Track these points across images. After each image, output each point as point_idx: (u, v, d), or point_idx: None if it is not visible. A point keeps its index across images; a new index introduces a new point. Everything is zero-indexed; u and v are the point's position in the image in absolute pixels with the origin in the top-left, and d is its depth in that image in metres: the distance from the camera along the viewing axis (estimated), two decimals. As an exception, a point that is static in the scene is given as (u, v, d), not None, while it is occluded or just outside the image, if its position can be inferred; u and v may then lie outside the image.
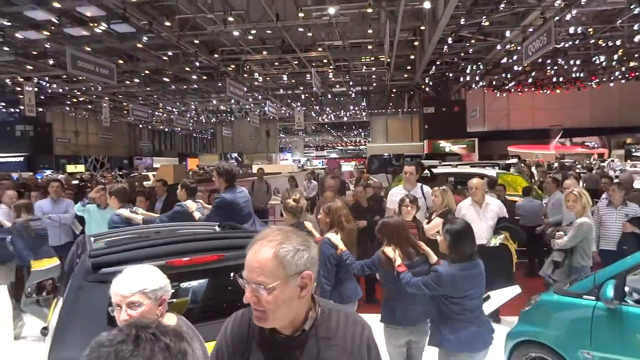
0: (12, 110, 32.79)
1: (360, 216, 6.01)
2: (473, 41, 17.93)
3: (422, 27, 16.06)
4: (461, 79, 25.48)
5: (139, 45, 17.17)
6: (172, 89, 27.13)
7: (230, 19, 14.18)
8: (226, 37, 17.57)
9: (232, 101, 31.48)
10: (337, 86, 28.74)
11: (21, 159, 36.17)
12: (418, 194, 5.48)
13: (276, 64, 22.09)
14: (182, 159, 51.32)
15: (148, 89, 26.35)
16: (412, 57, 20.81)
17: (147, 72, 22.79)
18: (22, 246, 5.19)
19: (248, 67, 22.11)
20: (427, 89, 27.45)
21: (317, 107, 37.14)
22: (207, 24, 15.28)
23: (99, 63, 12.95)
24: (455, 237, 3.00)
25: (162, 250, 2.62)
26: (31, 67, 20.80)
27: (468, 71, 23.15)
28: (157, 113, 36.29)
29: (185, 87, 26.66)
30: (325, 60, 21.38)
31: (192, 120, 41.30)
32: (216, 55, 19.67)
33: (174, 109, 36.11)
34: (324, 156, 64.18)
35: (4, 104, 30.79)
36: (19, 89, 23.73)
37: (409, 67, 23.15)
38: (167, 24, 14.87)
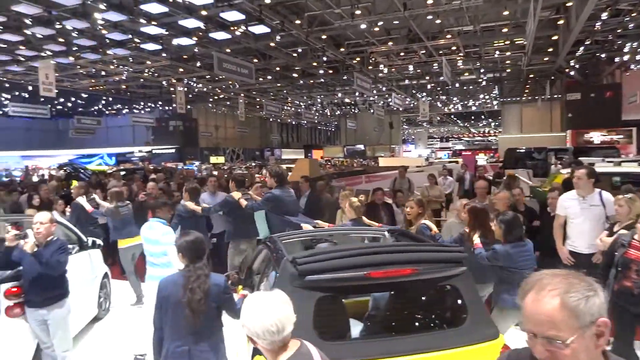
0: (167, 108, 37.46)
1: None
2: (634, 14, 15.49)
3: (569, 4, 14.34)
4: (616, 60, 22.25)
5: (272, 44, 18.27)
6: (300, 83, 28.40)
7: (357, 12, 14.30)
8: (352, 31, 17.79)
9: (357, 94, 31.84)
10: (466, 74, 27.24)
11: (173, 150, 41.32)
12: (595, 200, 4.82)
13: (402, 54, 21.73)
14: (307, 151, 53.62)
15: (278, 84, 27.97)
16: (555, 37, 18.74)
17: (277, 68, 24.17)
18: (112, 227, 6.68)
19: (373, 59, 22.11)
20: (571, 73, 24.52)
21: (444, 97, 35.70)
22: (334, 19, 15.63)
23: (240, 64, 14.11)
24: (508, 225, 3.94)
25: (363, 261, 2.68)
26: (182, 70, 23.56)
27: (626, 50, 20.09)
28: (285, 107, 38.34)
29: (312, 81, 27.70)
30: (454, 47, 20.40)
31: (317, 113, 42.80)
32: (342, 49, 20.03)
33: (301, 103, 37.79)
34: (449, 148, 61.56)
35: (160, 103, 35.31)
36: (172, 89, 27.07)
37: (549, 50, 20.93)
38: (297, 22, 15.59)
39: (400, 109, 36.84)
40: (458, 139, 69.67)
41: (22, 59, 20.07)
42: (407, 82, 29.13)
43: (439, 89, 32.01)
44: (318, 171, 12.62)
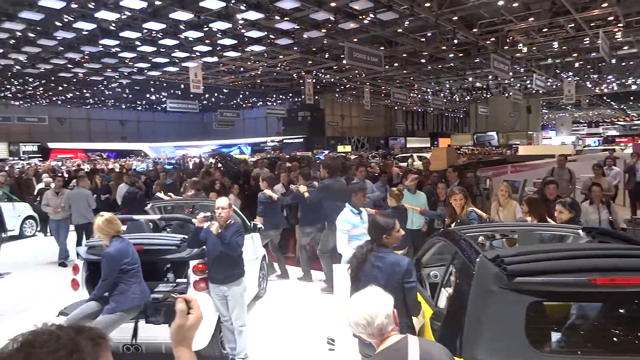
0: (296, 99, 39.35)
1: None
2: None
3: None
4: None
5: (399, 30, 17.93)
6: (427, 69, 27.47)
7: (494, -12, 13.25)
8: (487, 9, 16.58)
9: (490, 77, 29.71)
10: (626, 47, 23.56)
11: (301, 140, 43.31)
12: None
13: (544, 30, 19.62)
14: (433, 139, 51.86)
15: (405, 71, 27.43)
16: None
17: (404, 55, 23.68)
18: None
19: (510, 38, 20.35)
20: None
21: (595, 76, 31.42)
22: (467, -1, 14.73)
23: (369, 52, 14.14)
24: (573, 207, 4.34)
25: (586, 265, 2.37)
26: (311, 62, 24.47)
27: None
28: (412, 94, 37.50)
29: (440, 66, 26.59)
30: (611, 18, 17.77)
31: (445, 100, 41.05)
32: (474, 30, 18.81)
33: (428, 89, 36.59)
34: (599, 134, 54.19)
35: (290, 95, 37.22)
36: (301, 81, 28.31)
37: None
38: (427, 5, 15.02)
39: (540, 92, 33.43)
40: (611, 123, 60.96)
41: (177, 60, 22.75)
42: (549, 61, 26.29)
43: (588, 66, 28.25)
44: (456, 160, 12.05)
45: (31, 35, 17.97)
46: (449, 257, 3.42)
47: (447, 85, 34.86)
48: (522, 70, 26.90)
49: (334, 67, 26.18)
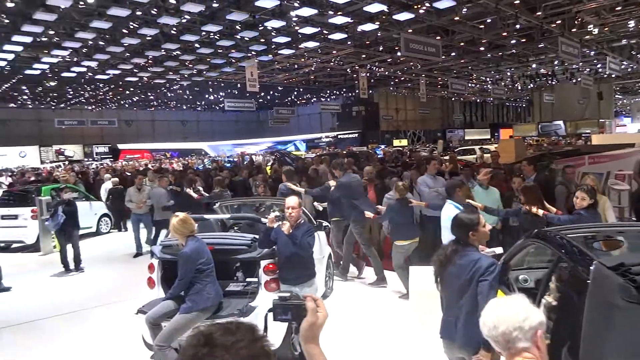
0: (350, 94, 39.19)
1: None
2: None
3: None
4: None
5: (456, 18, 17.29)
6: (486, 57, 26.34)
7: (561, -34, 12.41)
8: (552, -10, 15.59)
9: (555, 62, 27.99)
10: None
11: (356, 135, 43.11)
12: None
13: (617, 9, 18.15)
14: (494, 130, 49.77)
15: (462, 60, 26.45)
16: None
17: (461, 44, 22.83)
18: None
19: (579, 19, 19.01)
20: None
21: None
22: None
23: (426, 42, 13.76)
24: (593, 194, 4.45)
25: None
26: (364, 56, 24.23)
27: None
28: (470, 84, 36.15)
29: (500, 53, 25.38)
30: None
31: (506, 88, 39.22)
32: (538, 13, 17.75)
33: (488, 79, 35.11)
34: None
35: (344, 90, 37.12)
36: (355, 75, 28.12)
37: None
38: (486, -11, 14.36)
39: (613, 75, 31.03)
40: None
41: (233, 60, 23.36)
42: (623, 42, 24.32)
43: (670, 45, 25.84)
44: (525, 152, 11.35)
45: (101, 43, 19.16)
46: (549, 261, 3.14)
47: (508, 74, 33.25)
48: (592, 53, 25.09)
49: (388, 60, 25.76)
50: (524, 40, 21.64)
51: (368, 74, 27.38)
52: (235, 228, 5.70)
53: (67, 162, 37.62)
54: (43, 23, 16.16)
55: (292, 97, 41.33)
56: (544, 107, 41.07)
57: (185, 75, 27.42)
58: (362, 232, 6.65)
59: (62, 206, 7.78)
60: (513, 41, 21.60)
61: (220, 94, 36.41)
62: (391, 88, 39.82)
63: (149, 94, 35.87)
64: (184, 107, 47.58)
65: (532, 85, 37.89)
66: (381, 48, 22.31)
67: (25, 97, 34.51)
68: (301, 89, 36.55)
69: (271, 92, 36.91)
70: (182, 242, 3.94)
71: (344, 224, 6.99)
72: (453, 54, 24.26)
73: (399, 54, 23.83)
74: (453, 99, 47.77)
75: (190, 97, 39.19)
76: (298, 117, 45.20)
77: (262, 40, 19.88)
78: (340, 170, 6.83)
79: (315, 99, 43.31)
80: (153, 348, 3.83)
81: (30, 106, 38.93)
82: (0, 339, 5.26)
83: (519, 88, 38.97)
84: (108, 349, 4.87)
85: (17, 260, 9.23)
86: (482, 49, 23.48)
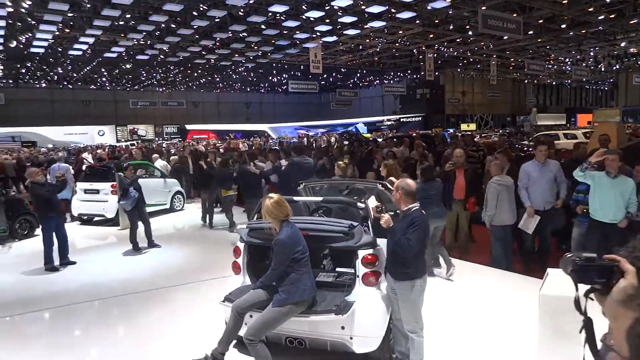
0: (415, 76, 37.99)
1: None
2: None
3: None
4: None
5: (537, -7, 16.05)
6: (567, 36, 24.34)
7: None
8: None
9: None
10: None
11: (419, 118, 41.91)
12: None
13: None
14: (570, 115, 46.42)
15: (539, 39, 24.65)
16: None
17: (540, 21, 21.23)
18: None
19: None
20: None
21: None
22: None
23: (506, 19, 12.86)
24: None
25: None
26: (432, 35, 23.24)
27: None
28: (547, 65, 33.74)
29: (583, 31, 23.35)
30: None
31: (587, 70, 36.25)
32: (633, -15, 16.04)
33: (567, 59, 32.57)
34: None
35: (409, 72, 36.04)
36: (421, 57, 27.11)
37: None
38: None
39: None
40: None
41: (298, 42, 23.30)
42: None
43: None
44: (625, 138, 10.28)
45: (172, 26, 19.79)
46: None
47: (591, 53, 30.62)
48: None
49: (458, 40, 24.55)
50: (612, 16, 19.73)
51: (435, 55, 26.30)
52: (320, 212, 5.14)
53: (139, 141, 39.84)
54: (120, 7, 16.92)
55: (355, 79, 40.76)
56: (631, 90, 37.58)
57: (251, 57, 27.79)
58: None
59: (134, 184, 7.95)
60: (600, 17, 19.75)
61: (284, 76, 36.66)
62: (459, 70, 38.11)
63: (215, 76, 36.87)
64: (248, 89, 48.53)
65: (618, 66, 34.69)
66: (451, 27, 21.27)
67: (103, 79, 36.70)
68: (364, 71, 35.93)
69: (334, 74, 36.60)
70: (275, 226, 3.59)
71: None
72: (530, 32, 22.62)
73: (470, 33, 22.69)
74: (526, 81, 44.92)
75: (254, 79, 39.83)
76: (360, 99, 44.56)
77: (328, 20, 19.60)
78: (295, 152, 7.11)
79: (378, 81, 42.46)
80: (221, 339, 3.70)
81: (108, 88, 41.40)
82: (80, 314, 5.46)
83: (603, 69, 35.83)
84: (190, 332, 4.79)
85: (97, 233, 9.86)
86: (563, 26, 21.70)
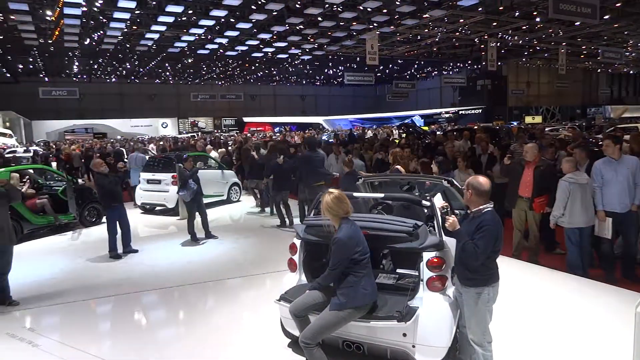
0: (475, 67, 36.47)
1: None
2: None
3: None
4: None
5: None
6: (649, 20, 22.29)
7: None
8: None
9: None
10: None
11: (479, 111, 40.27)
12: None
13: None
14: (649, 107, 42.63)
15: (616, 25, 22.73)
16: None
17: (617, 4, 19.55)
18: None
19: None
20: None
21: None
22: None
23: (580, 2, 11.82)
24: None
25: None
26: (496, 23, 22.09)
27: None
28: (624, 53, 31.13)
29: (669, 14, 21.26)
30: None
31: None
32: None
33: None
34: None
35: (469, 62, 34.62)
36: (483, 46, 25.89)
37: None
38: None
39: None
40: None
41: (354, 33, 23.01)
42: None
43: None
44: None
45: (232, 20, 20.19)
46: None
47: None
48: None
49: (523, 27, 23.18)
50: None
51: (498, 44, 25.02)
52: (379, 208, 4.90)
53: (199, 133, 41.30)
54: (183, 3, 17.47)
55: (412, 71, 39.79)
56: None
57: (307, 50, 27.85)
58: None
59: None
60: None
61: (339, 68, 36.47)
62: (523, 59, 36.10)
63: (272, 69, 37.36)
64: (304, 82, 48.83)
65: None
66: (517, 14, 20.09)
67: (167, 73, 38.31)
68: (422, 62, 34.95)
69: (390, 66, 35.92)
70: (334, 224, 3.37)
71: None
72: (606, 17, 20.91)
73: (537, 19, 21.33)
74: (599, 70, 41.79)
75: (310, 71, 39.96)
76: (417, 91, 43.49)
77: (385, 10, 19.17)
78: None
79: (436, 73, 41.21)
80: (299, 342, 3.49)
81: (171, 82, 43.21)
82: (141, 302, 5.65)
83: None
84: (245, 323, 4.86)
85: (158, 222, 10.26)
86: (645, 9, 19.88)
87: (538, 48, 30.11)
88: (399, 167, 7.31)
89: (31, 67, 32.94)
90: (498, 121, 33.96)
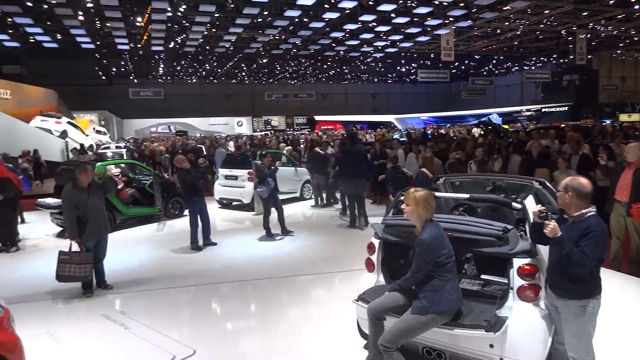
0: (561, 61, 33.99)
1: None
2: None
3: None
4: None
5: None
6: None
7: None
8: None
9: None
10: None
11: (565, 108, 37.49)
12: None
13: None
14: None
15: None
16: None
17: None
18: None
19: None
20: None
21: None
22: None
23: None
24: None
25: None
26: (586, 13, 20.42)
27: None
28: None
29: None
30: None
31: None
32: None
33: None
34: None
35: (555, 55, 32.34)
36: (570, 38, 24.04)
37: None
38: None
39: None
40: None
41: (429, 28, 22.39)
42: None
43: None
44: None
45: (305, 19, 20.49)
46: None
47: None
48: None
49: (619, 17, 21.20)
50: None
51: (588, 36, 23.11)
52: (460, 209, 4.68)
53: (273, 131, 42.48)
54: (259, 4, 18.01)
55: (490, 66, 37.94)
56: None
57: (379, 47, 27.57)
58: None
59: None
60: None
61: (412, 65, 35.71)
62: (618, 51, 33.05)
63: (344, 67, 37.44)
64: (375, 80, 48.43)
65: None
66: (611, 1, 18.43)
67: (243, 73, 39.80)
68: (501, 57, 33.19)
69: (466, 62, 34.50)
70: (417, 225, 3.23)
71: None
72: None
73: (636, 7, 19.40)
74: None
75: (382, 69, 39.53)
76: (494, 88, 41.39)
77: (462, 4, 18.44)
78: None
79: (516, 68, 38.95)
80: (368, 345, 3.49)
81: (246, 82, 44.84)
82: (219, 293, 5.88)
83: None
84: (318, 319, 4.91)
85: (235, 216, 10.65)
86: None
87: (636, 39, 27.41)
88: (424, 170, 7.41)
89: (122, 70, 35.77)
90: (587, 119, 31.38)
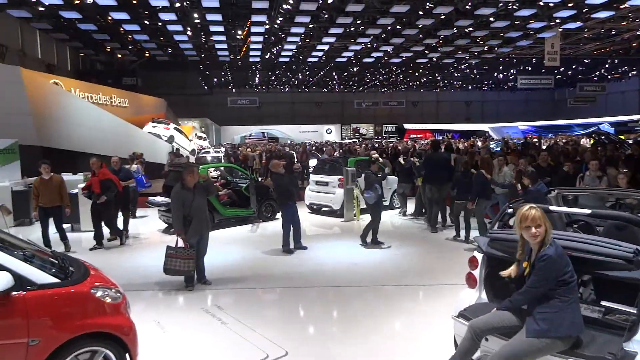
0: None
1: None
2: None
3: None
4: None
5: None
6: None
7: None
8: None
9: None
10: None
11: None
12: None
13: None
14: None
15: None
16: None
17: None
18: None
19: None
20: None
21: None
22: None
23: None
24: None
25: None
26: None
27: None
28: None
29: None
30: None
31: None
32: None
33: None
34: None
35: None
36: None
37: None
38: None
39: None
40: None
41: (532, 32, 21.02)
42: None
43: None
44: None
45: (398, 27, 20.32)
46: None
47: None
48: None
49: None
50: None
51: None
52: (575, 226, 4.28)
53: (361, 139, 42.60)
54: (352, 14, 18.22)
55: (602, 71, 34.56)
56: None
57: (475, 53, 26.47)
58: None
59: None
60: None
61: (511, 71, 33.73)
62: None
63: (436, 74, 36.48)
64: (469, 87, 46.53)
65: None
66: None
67: (333, 82, 40.52)
68: (616, 61, 30.10)
69: (573, 66, 31.79)
70: (532, 243, 2.98)
71: None
72: None
73: None
74: None
75: (477, 76, 37.87)
76: (606, 95, 37.58)
77: (570, 4, 17.05)
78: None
79: (634, 72, 35.07)
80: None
81: (336, 90, 45.57)
82: (308, 296, 5.94)
83: None
84: (405, 332, 4.80)
85: (324, 222, 10.78)
86: None
87: None
88: (482, 171, 7.58)
89: (222, 80, 38.28)
90: None
